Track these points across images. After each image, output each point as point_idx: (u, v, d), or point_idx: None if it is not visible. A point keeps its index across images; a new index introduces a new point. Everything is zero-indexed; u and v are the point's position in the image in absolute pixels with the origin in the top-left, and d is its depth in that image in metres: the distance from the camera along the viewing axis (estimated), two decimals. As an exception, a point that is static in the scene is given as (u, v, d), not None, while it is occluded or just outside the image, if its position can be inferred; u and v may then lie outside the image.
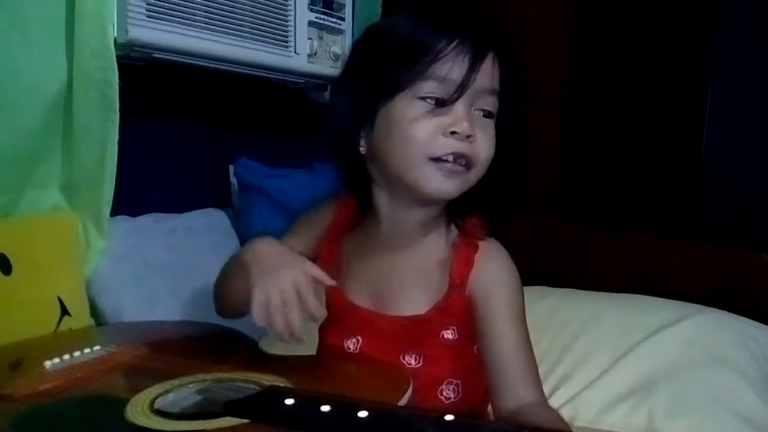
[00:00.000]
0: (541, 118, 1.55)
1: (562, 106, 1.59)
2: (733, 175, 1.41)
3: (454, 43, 0.75)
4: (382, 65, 0.78)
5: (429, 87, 0.76)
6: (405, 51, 0.76)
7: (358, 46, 0.86)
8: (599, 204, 1.57)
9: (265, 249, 0.82)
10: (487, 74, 0.77)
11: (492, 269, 0.83)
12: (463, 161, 0.77)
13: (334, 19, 1.59)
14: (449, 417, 0.59)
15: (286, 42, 1.47)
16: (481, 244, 0.84)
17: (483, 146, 0.78)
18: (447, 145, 0.76)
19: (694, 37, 1.41)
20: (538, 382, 0.81)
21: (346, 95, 0.82)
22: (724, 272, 1.35)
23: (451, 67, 0.75)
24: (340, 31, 1.60)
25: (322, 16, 1.55)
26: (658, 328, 1.13)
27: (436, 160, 0.76)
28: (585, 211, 1.58)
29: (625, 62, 1.52)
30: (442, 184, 0.77)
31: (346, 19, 1.62)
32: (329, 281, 0.81)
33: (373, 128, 0.79)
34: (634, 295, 1.26)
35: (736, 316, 1.19)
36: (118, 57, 1.13)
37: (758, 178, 1.38)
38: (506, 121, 0.81)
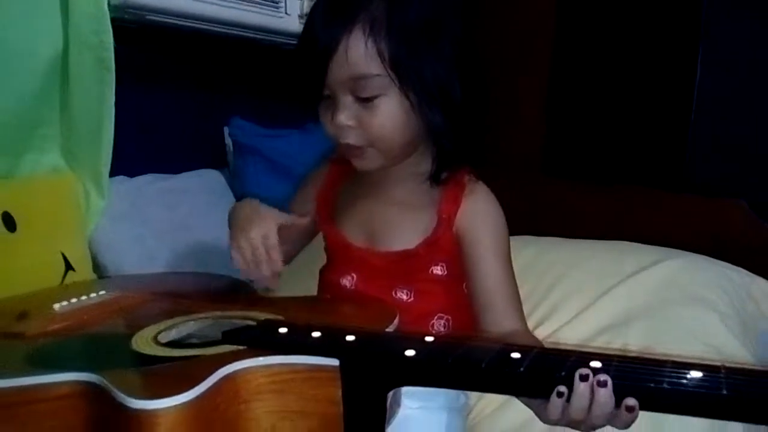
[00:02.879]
0: (529, 72, 1.58)
1: (549, 60, 1.61)
2: (722, 126, 1.43)
3: (311, 48, 0.79)
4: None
5: (315, 89, 0.82)
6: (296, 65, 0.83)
7: None
8: (587, 159, 1.60)
9: (240, 208, 0.89)
10: (342, 65, 0.78)
11: (478, 207, 0.87)
12: (354, 147, 0.83)
13: (323, -20, 1.61)
14: (429, 338, 0.64)
15: (277, 3, 1.50)
16: (468, 185, 0.88)
17: (372, 128, 0.81)
18: (339, 135, 0.82)
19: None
20: (521, 314, 0.85)
21: None
22: (707, 221, 1.39)
23: (311, 71, 0.80)
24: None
25: (312, -23, 1.58)
26: (636, 271, 1.18)
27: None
28: (573, 166, 1.62)
29: (613, 14, 1.53)
30: (357, 163, 0.85)
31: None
32: (301, 220, 0.88)
33: None
34: (616, 241, 1.31)
35: (713, 259, 1.23)
36: (111, 19, 1.16)
37: (747, 129, 1.41)
38: (410, 82, 0.80)
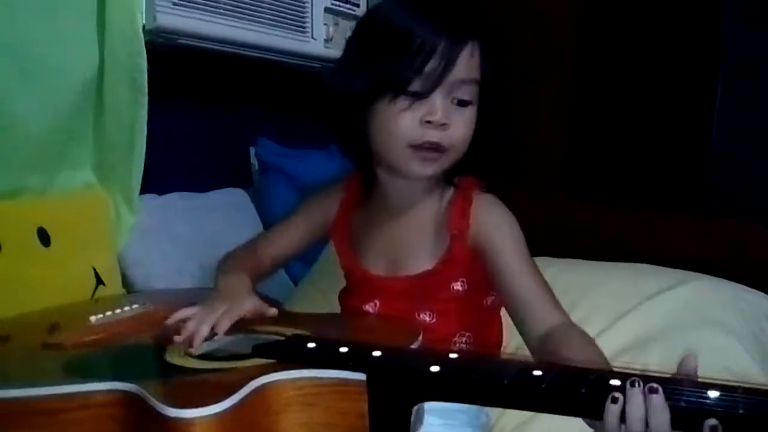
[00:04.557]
0: (550, 93, 1.59)
1: (569, 80, 1.63)
2: (742, 148, 1.43)
3: (431, 39, 0.81)
4: (369, 66, 0.85)
5: (409, 83, 0.82)
6: (386, 53, 0.83)
7: (352, 39, 0.95)
8: (606, 179, 1.61)
9: (228, 283, 0.93)
10: (464, 65, 0.83)
11: (489, 218, 0.90)
12: (436, 148, 0.85)
13: (349, 5, 1.66)
14: (453, 355, 0.66)
15: (304, 27, 1.54)
16: (475, 198, 0.91)
17: (458, 131, 0.85)
18: (423, 134, 0.84)
19: (704, 8, 1.42)
20: (558, 304, 0.86)
21: (343, 86, 0.89)
22: (725, 244, 1.39)
23: (428, 62, 0.81)
24: (355, 17, 1.67)
25: (338, 3, 1.63)
26: (655, 293, 1.18)
27: (415, 147, 0.85)
28: (592, 187, 1.62)
29: (633, 37, 1.53)
30: (419, 168, 0.86)
31: (361, 5, 1.69)
32: (271, 312, 0.88)
33: (366, 116, 0.87)
34: (634, 263, 1.32)
35: (731, 282, 1.24)
36: (145, 43, 1.19)
37: (767, 152, 1.42)
38: (493, 97, 0.88)
